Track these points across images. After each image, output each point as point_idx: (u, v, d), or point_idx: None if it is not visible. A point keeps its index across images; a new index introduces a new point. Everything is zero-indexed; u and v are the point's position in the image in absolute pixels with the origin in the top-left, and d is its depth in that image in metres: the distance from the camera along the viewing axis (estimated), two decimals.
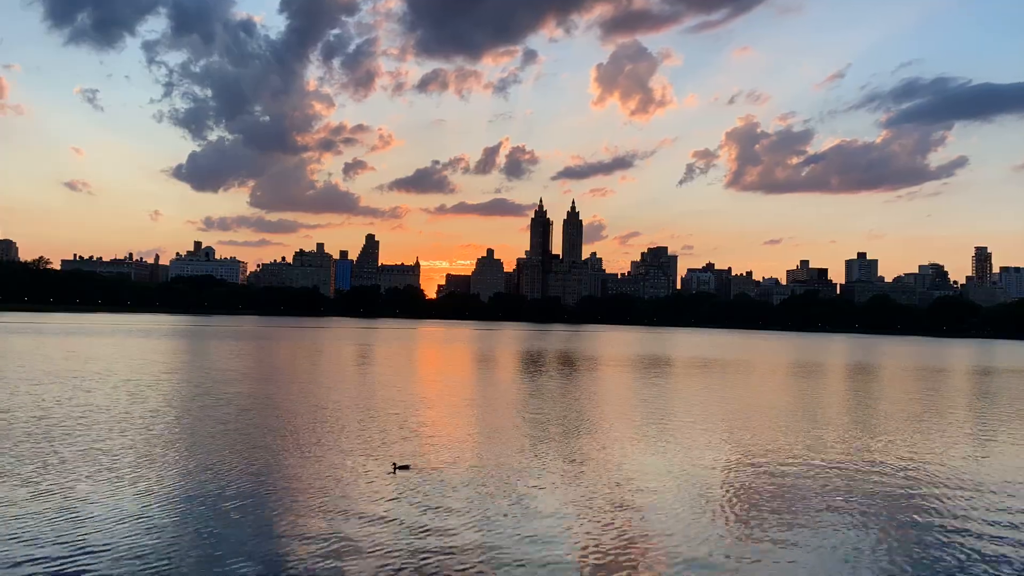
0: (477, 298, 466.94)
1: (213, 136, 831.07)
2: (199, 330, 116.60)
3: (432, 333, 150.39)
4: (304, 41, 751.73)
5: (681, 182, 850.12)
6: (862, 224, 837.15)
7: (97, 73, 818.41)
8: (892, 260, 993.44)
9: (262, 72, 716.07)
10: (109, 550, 12.25)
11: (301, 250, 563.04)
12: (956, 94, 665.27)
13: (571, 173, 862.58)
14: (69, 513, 14.21)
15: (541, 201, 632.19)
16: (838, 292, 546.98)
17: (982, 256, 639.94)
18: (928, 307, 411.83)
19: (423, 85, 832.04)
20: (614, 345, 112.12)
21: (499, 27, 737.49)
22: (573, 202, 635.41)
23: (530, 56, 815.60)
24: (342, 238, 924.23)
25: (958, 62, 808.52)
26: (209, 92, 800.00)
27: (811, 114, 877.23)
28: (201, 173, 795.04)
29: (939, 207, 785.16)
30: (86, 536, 12.93)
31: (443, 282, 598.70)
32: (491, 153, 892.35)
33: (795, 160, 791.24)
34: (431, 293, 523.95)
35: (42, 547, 12.27)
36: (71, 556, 11.94)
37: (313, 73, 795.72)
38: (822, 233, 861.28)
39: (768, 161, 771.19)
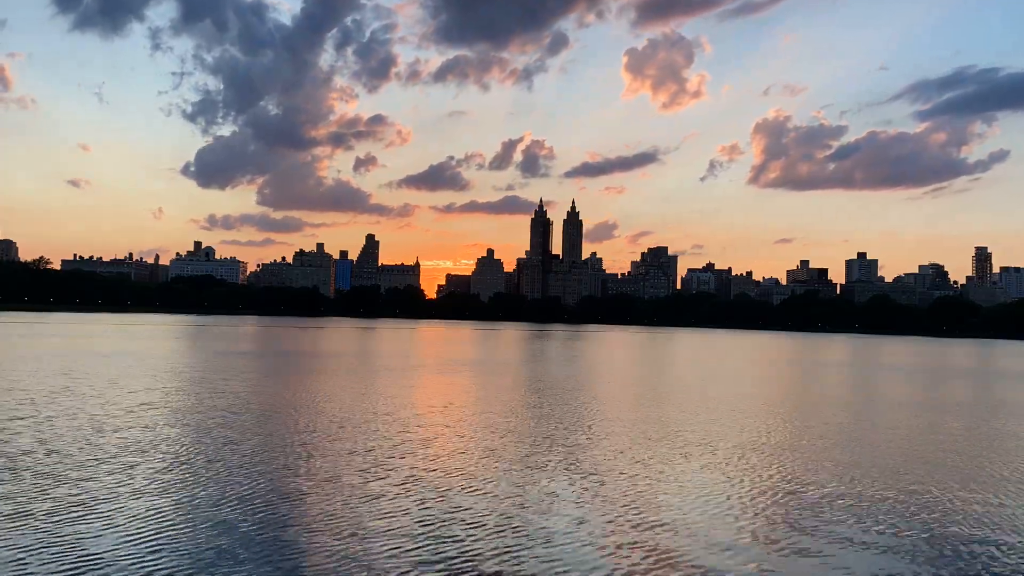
0: (477, 298, 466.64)
1: (221, 131, 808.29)
2: (203, 331, 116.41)
3: (433, 334, 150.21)
4: (319, 27, 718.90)
5: (703, 178, 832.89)
6: (881, 222, 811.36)
7: (104, 63, 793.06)
8: (893, 260, 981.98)
9: (274, 62, 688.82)
10: (116, 562, 12.05)
11: (301, 250, 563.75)
12: (1004, 83, 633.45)
13: (589, 170, 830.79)
14: (77, 522, 14.01)
15: (541, 201, 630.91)
16: (838, 292, 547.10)
17: (982, 256, 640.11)
18: (928, 307, 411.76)
19: (442, 74, 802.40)
20: (617, 346, 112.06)
21: (528, 11, 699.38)
22: (573, 202, 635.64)
23: (558, 42, 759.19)
24: (348, 237, 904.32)
25: (1011, 51, 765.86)
26: (219, 84, 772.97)
27: (848, 105, 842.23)
28: (208, 170, 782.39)
29: (966, 204, 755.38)
30: (93, 548, 12.73)
31: (443, 282, 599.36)
32: (509, 147, 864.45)
33: (823, 154, 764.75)
34: (431, 293, 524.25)
35: (45, 560, 12.05)
36: (77, 569, 11.74)
37: (328, 62, 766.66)
38: (838, 232, 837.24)
39: (794, 156, 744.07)
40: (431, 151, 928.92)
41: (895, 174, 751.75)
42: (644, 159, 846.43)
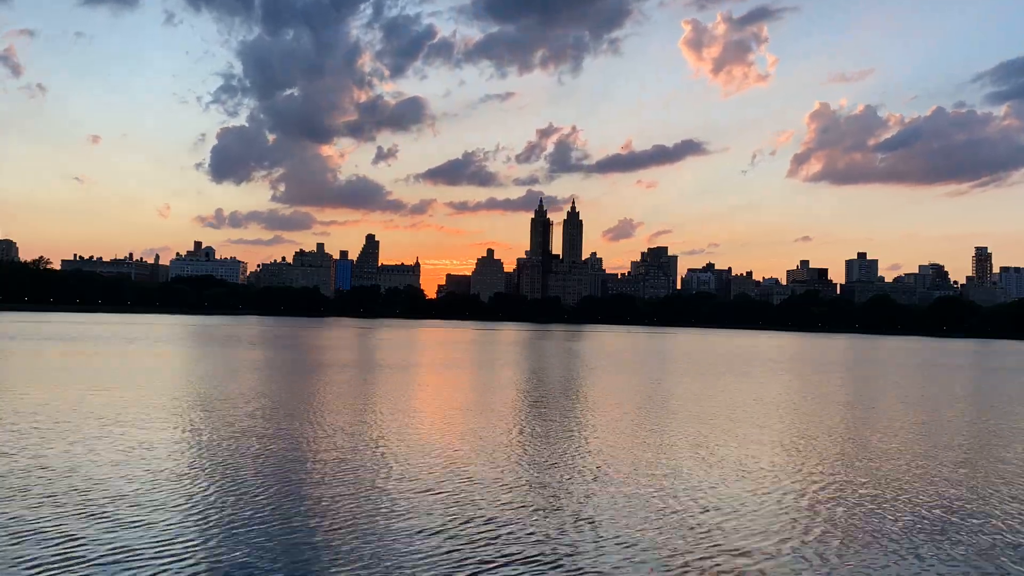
0: (477, 298, 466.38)
1: (239, 120, 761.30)
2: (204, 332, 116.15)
3: (433, 334, 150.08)
4: (348, 4, 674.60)
5: (745, 172, 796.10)
6: (908, 220, 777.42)
7: (115, 42, 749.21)
8: (910, 260, 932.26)
9: (297, 42, 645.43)
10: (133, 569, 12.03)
11: (301, 250, 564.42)
12: None
13: (620, 163, 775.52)
14: (91, 530, 13.99)
15: (541, 202, 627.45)
16: (838, 292, 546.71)
17: (982, 256, 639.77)
18: (928, 307, 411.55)
19: (480, 55, 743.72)
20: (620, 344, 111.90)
21: None
22: (573, 202, 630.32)
23: (613, 16, 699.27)
24: (357, 235, 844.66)
25: None
26: (239, 67, 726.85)
27: (920, 90, 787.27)
28: (223, 164, 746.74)
29: (1013, 198, 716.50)
30: (108, 556, 12.72)
31: (443, 282, 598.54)
32: (543, 136, 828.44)
33: (875, 141, 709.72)
34: (432, 293, 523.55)
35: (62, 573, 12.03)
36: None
37: (354, 42, 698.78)
38: (862, 230, 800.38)
39: (843, 147, 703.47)
40: (459, 142, 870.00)
41: (946, 166, 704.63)
42: (687, 149, 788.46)
